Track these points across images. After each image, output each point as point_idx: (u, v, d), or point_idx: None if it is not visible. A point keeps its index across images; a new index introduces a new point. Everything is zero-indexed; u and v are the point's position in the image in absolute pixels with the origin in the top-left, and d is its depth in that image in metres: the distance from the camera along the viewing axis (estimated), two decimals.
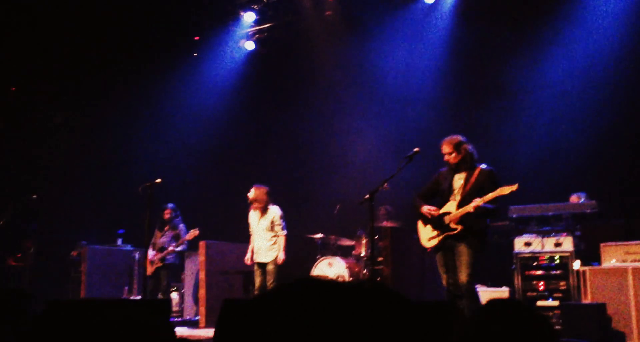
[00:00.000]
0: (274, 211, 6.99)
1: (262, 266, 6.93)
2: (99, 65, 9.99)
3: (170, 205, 7.99)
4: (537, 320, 1.50)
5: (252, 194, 7.00)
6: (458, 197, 4.83)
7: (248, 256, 7.04)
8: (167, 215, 7.92)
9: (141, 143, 10.21)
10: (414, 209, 5.10)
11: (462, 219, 4.75)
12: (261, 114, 10.17)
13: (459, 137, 4.95)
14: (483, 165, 4.91)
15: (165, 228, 7.96)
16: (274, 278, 6.82)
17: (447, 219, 4.83)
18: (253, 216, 7.09)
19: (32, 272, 9.81)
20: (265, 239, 6.93)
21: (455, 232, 4.75)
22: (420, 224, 5.11)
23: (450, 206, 4.86)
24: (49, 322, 2.61)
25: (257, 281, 6.92)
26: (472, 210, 4.66)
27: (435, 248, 4.90)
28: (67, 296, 9.09)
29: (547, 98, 7.60)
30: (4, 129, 10.43)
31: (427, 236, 4.97)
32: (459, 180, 4.89)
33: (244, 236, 7.30)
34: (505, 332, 1.46)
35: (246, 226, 7.22)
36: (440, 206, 4.95)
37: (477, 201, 4.64)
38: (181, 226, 7.95)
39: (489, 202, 4.67)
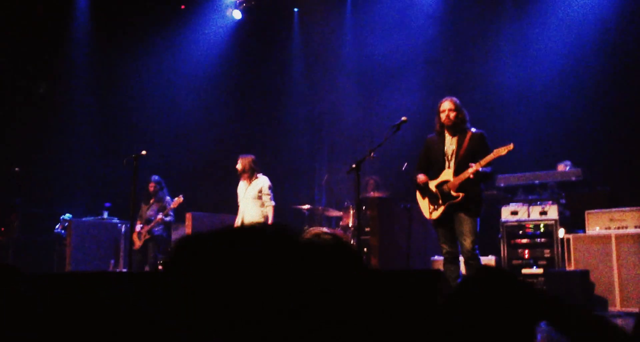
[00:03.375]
0: (262, 181, 6.95)
1: None
2: (83, 34, 9.76)
3: (154, 177, 7.91)
4: (521, 287, 1.50)
5: (239, 164, 6.97)
6: (452, 164, 4.74)
7: None
8: (151, 188, 7.84)
9: (127, 114, 10.06)
10: (414, 185, 4.98)
11: (461, 186, 4.66)
12: (248, 84, 10.05)
13: (458, 100, 4.87)
14: (473, 129, 4.82)
15: (151, 201, 7.89)
16: None
17: (446, 187, 4.73)
18: (241, 185, 7.06)
19: (16, 246, 9.73)
20: (252, 208, 6.89)
21: (458, 199, 4.65)
22: (419, 196, 4.98)
23: (447, 174, 4.76)
24: (33, 296, 2.58)
25: None
26: (471, 176, 4.58)
27: (439, 219, 4.77)
28: (53, 269, 9.05)
29: (533, 67, 7.56)
30: None
31: (429, 207, 4.86)
32: (450, 145, 4.78)
33: (231, 208, 7.27)
34: (486, 298, 1.47)
35: (233, 197, 7.18)
36: (434, 174, 4.85)
37: (475, 166, 4.57)
38: (167, 198, 7.88)
39: (486, 165, 4.62)
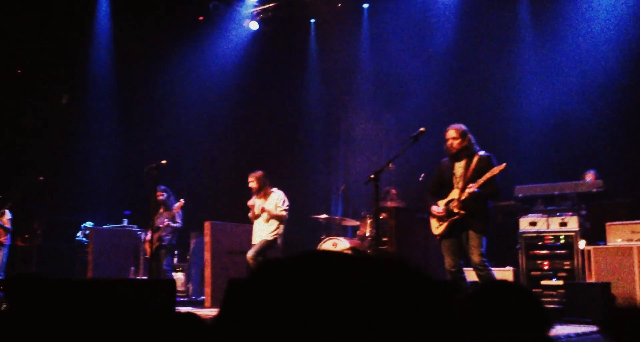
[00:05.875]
0: (276, 195, 6.95)
1: None
2: (104, 46, 9.96)
3: (162, 187, 7.94)
4: (530, 301, 1.59)
5: (251, 183, 6.98)
6: (460, 185, 5.01)
7: None
8: (159, 196, 7.88)
9: (147, 124, 10.21)
10: (426, 208, 5.33)
11: (463, 204, 4.94)
12: (266, 93, 10.13)
13: (464, 127, 5.12)
14: (481, 152, 5.04)
15: (160, 210, 7.94)
16: (255, 250, 6.80)
17: (450, 206, 5.04)
18: (257, 202, 7.09)
19: (39, 253, 9.90)
20: (264, 222, 6.92)
21: (458, 216, 4.96)
22: (430, 217, 5.32)
23: (454, 194, 5.06)
24: (56, 301, 2.64)
25: None
26: (467, 195, 4.88)
27: (443, 234, 5.11)
28: (75, 276, 9.19)
29: (554, 75, 7.52)
30: (10, 110, 10.43)
31: (436, 224, 5.21)
32: (459, 168, 5.06)
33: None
34: (497, 309, 1.55)
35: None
36: (445, 194, 5.13)
37: (472, 187, 4.86)
38: (174, 205, 7.94)
39: (484, 186, 4.84)
